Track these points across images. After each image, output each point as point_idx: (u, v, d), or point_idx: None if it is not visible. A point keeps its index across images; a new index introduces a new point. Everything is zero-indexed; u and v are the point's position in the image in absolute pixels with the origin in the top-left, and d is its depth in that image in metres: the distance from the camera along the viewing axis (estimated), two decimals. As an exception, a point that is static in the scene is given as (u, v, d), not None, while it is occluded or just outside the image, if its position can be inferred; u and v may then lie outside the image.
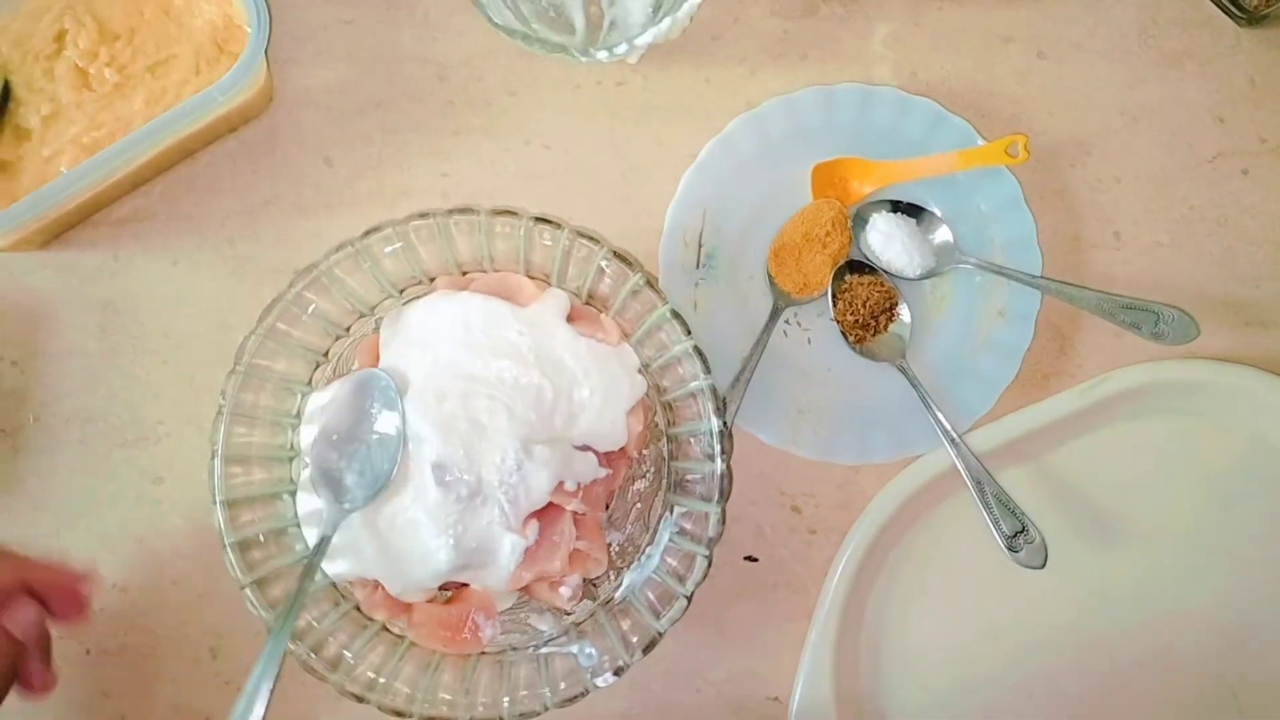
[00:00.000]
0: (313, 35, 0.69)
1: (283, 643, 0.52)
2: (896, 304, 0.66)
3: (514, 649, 0.59)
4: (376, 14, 0.69)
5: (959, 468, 0.62)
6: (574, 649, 0.58)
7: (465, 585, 0.59)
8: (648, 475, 0.63)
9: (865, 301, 0.66)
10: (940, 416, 0.63)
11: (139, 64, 0.63)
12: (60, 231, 0.66)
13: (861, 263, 0.67)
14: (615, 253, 0.58)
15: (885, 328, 0.66)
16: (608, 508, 0.62)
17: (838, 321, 0.67)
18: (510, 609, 0.60)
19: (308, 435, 0.59)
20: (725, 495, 0.57)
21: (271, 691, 0.50)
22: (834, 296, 0.66)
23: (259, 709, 0.50)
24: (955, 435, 0.63)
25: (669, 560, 0.59)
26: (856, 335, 0.66)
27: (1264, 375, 0.65)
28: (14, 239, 0.63)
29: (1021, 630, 0.64)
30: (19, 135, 0.63)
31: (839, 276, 0.66)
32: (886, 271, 0.66)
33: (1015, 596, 0.65)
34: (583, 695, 0.56)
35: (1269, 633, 0.64)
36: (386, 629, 0.59)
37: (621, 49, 0.62)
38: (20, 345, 0.66)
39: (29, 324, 0.66)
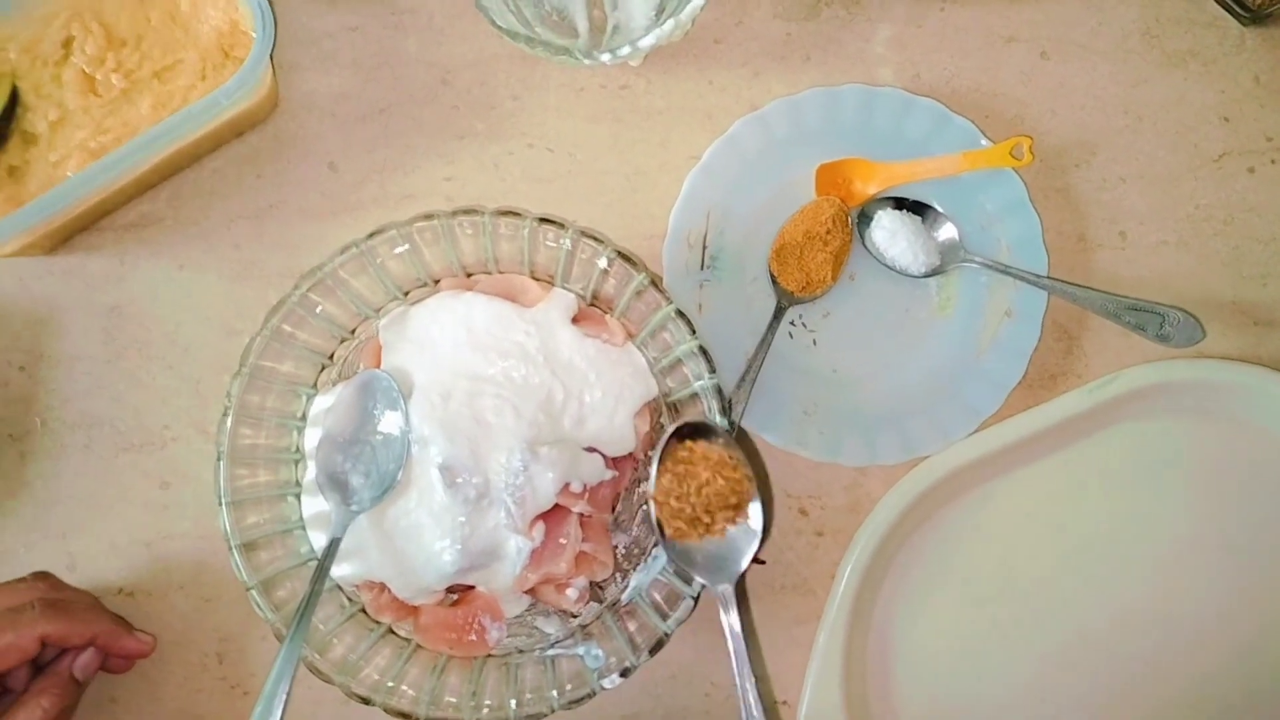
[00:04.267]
0: (317, 41, 0.69)
1: (298, 646, 0.52)
2: (747, 501, 0.50)
3: (520, 651, 0.59)
4: (381, 20, 0.70)
5: None
6: (580, 651, 0.58)
7: (471, 587, 0.59)
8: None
9: (703, 487, 0.50)
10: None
11: (145, 69, 0.64)
12: (67, 237, 0.67)
13: (711, 428, 0.51)
14: (619, 253, 0.58)
15: (722, 531, 0.51)
16: (614, 509, 0.62)
17: (656, 502, 0.51)
18: (516, 612, 0.60)
19: (312, 438, 0.59)
20: (731, 495, 0.57)
21: (288, 696, 0.51)
22: (659, 467, 0.50)
23: (277, 713, 0.50)
24: None
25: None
26: (676, 529, 0.52)
27: (1273, 374, 0.65)
28: (21, 244, 0.63)
29: (1030, 631, 0.64)
30: (26, 140, 0.63)
31: (678, 438, 0.50)
32: (891, 268, 0.66)
33: (1023, 597, 0.64)
34: (589, 697, 0.56)
35: (1278, 632, 0.64)
36: (393, 631, 0.59)
37: (625, 52, 0.62)
38: (27, 350, 0.66)
39: (36, 329, 0.66)
